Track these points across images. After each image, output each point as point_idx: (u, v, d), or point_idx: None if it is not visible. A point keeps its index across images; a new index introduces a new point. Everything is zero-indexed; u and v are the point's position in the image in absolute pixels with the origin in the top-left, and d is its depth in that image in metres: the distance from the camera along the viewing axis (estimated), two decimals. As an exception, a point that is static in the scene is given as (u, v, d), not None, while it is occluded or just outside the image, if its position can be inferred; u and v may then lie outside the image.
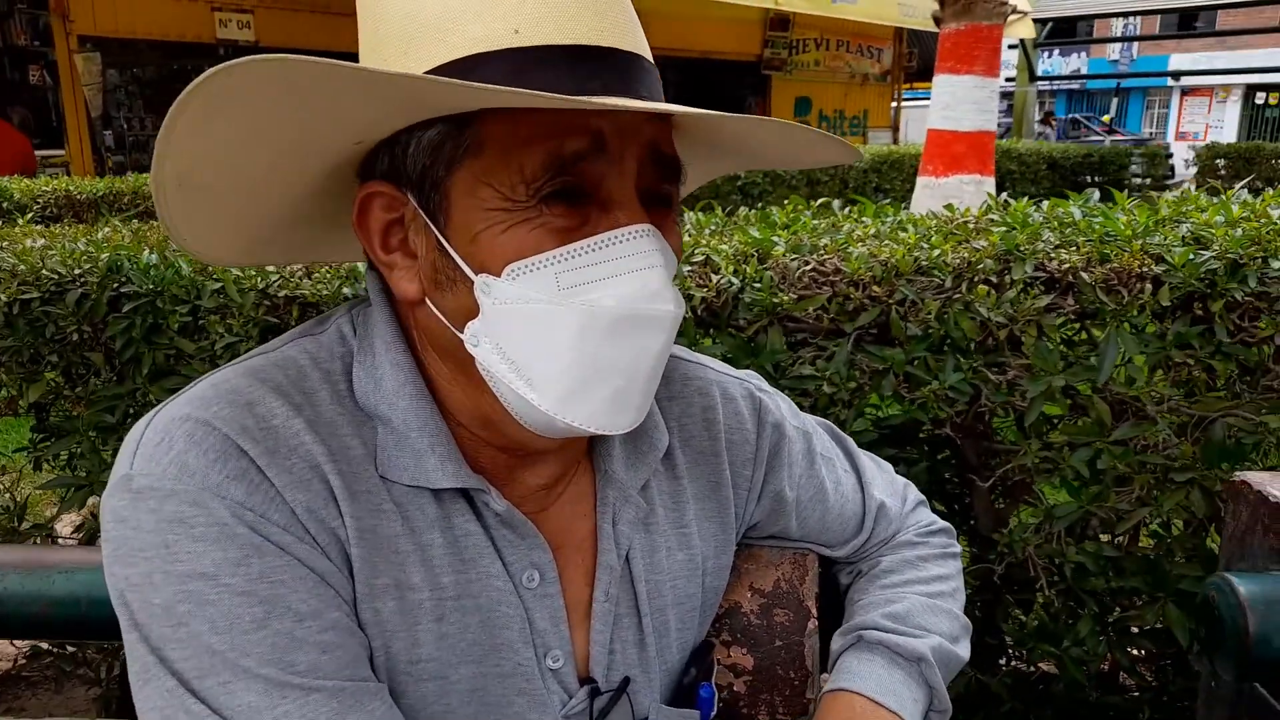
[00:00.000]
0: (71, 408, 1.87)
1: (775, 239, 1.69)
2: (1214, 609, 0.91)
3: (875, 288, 1.52)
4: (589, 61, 0.64)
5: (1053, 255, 1.53)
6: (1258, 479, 0.96)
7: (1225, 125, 33.22)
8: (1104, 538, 1.73)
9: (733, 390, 0.91)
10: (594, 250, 0.65)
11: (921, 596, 0.91)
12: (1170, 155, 14.88)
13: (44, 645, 2.06)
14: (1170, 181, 14.36)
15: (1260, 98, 32.55)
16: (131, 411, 1.75)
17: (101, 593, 0.78)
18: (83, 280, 1.66)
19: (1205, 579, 1.53)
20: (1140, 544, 1.78)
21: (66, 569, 1.01)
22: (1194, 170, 14.34)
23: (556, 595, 0.77)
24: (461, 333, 0.68)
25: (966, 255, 1.54)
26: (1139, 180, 13.07)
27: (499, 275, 0.65)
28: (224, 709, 0.61)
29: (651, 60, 0.71)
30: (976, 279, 1.53)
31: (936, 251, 1.54)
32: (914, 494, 1.04)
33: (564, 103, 0.59)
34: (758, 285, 1.55)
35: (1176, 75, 26.26)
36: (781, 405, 0.95)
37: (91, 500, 1.87)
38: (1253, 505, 0.95)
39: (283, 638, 0.63)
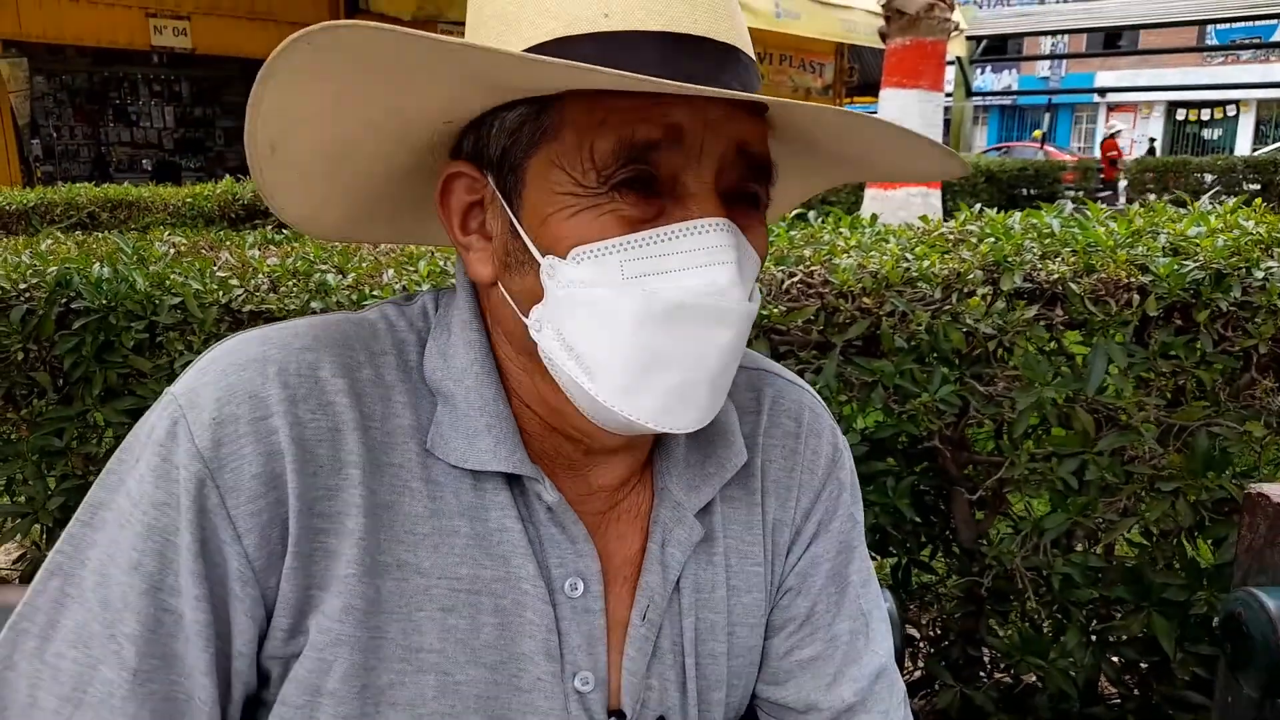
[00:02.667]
0: (12, 431, 1.76)
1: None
2: (1241, 624, 0.89)
3: (865, 299, 1.50)
4: (678, 49, 0.62)
5: (1039, 266, 1.53)
6: (1276, 491, 0.96)
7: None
8: (1079, 548, 1.74)
9: (822, 428, 0.85)
10: (662, 241, 0.63)
11: None
12: (1101, 169, 15.41)
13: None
14: (1102, 194, 14.85)
15: (1181, 114, 33.89)
16: (80, 435, 1.64)
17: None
18: (28, 295, 1.56)
19: (1201, 591, 1.55)
20: (1116, 553, 1.79)
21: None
22: (1124, 184, 14.85)
23: (599, 612, 0.72)
24: (527, 317, 0.67)
25: (955, 266, 1.52)
26: (1073, 193, 13.48)
27: (564, 258, 0.64)
28: (52, 613, 0.62)
29: (751, 53, 0.68)
30: (965, 290, 1.52)
31: (925, 262, 1.52)
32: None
33: (624, 81, 0.57)
34: (745, 297, 1.52)
35: (1103, 92, 27.20)
36: (852, 471, 0.87)
37: (35, 529, 1.76)
38: (1271, 518, 0.94)
39: (139, 598, 0.62)
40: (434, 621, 0.67)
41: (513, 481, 0.70)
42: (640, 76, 0.57)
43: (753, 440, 0.81)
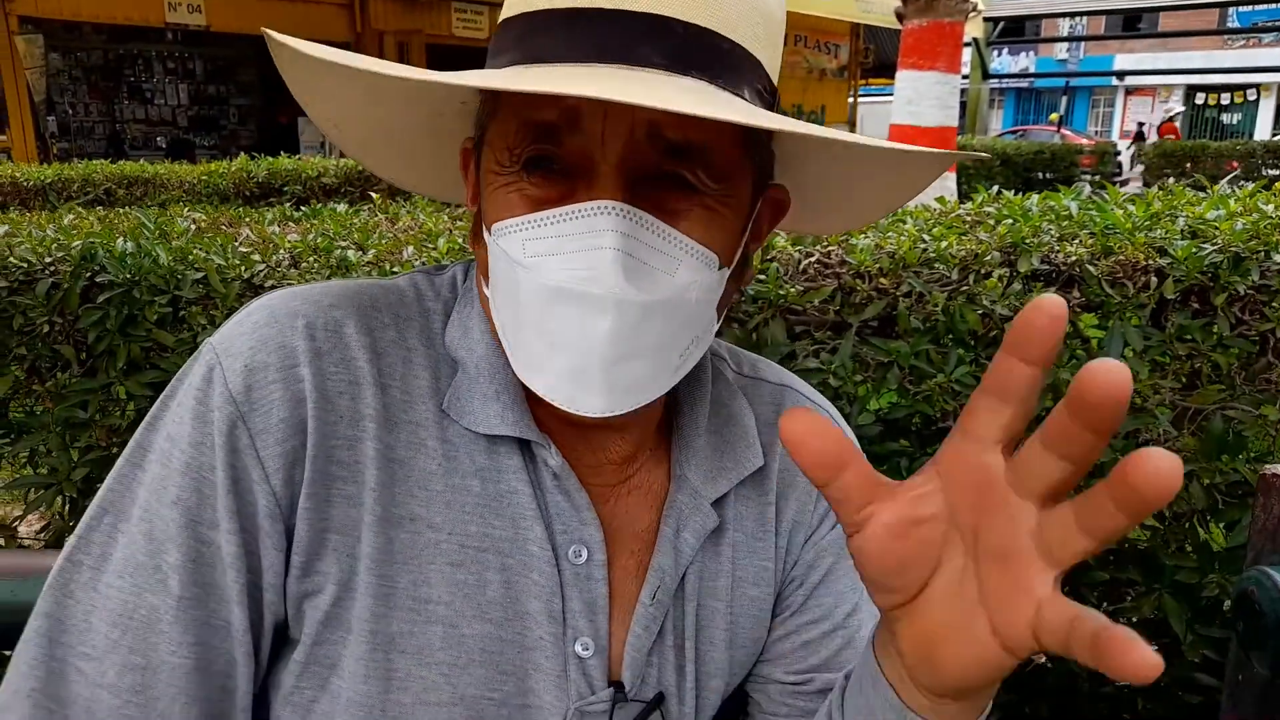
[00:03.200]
0: (37, 403, 1.78)
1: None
2: (1254, 603, 0.90)
3: (882, 279, 1.50)
4: (587, 25, 0.63)
5: (1057, 248, 1.53)
6: (1290, 472, 0.96)
7: (1167, 124, 34.12)
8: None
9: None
10: (555, 223, 0.64)
11: None
12: (1119, 153, 15.28)
13: None
14: (1119, 178, 14.73)
15: (1200, 98, 33.51)
16: (103, 407, 1.67)
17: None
18: (54, 269, 1.58)
19: (1213, 573, 1.55)
20: (1129, 535, 1.80)
21: (61, 576, 0.94)
22: (1139, 169, 14.72)
23: (601, 581, 0.74)
24: (487, 287, 0.72)
25: (972, 247, 1.53)
26: (1089, 176, 13.37)
27: (491, 233, 0.68)
28: (104, 546, 0.67)
29: (712, 24, 0.64)
30: (982, 271, 1.52)
31: (943, 243, 1.53)
32: None
33: (491, 83, 0.60)
34: (762, 278, 1.53)
35: (1121, 75, 26.91)
36: None
37: (58, 500, 1.79)
38: (1285, 498, 0.95)
39: (180, 530, 0.66)
40: (443, 575, 0.70)
41: (524, 447, 0.73)
42: (465, 80, 0.60)
43: (771, 449, 0.82)
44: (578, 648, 0.72)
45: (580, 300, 0.62)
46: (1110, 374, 0.41)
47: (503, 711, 0.71)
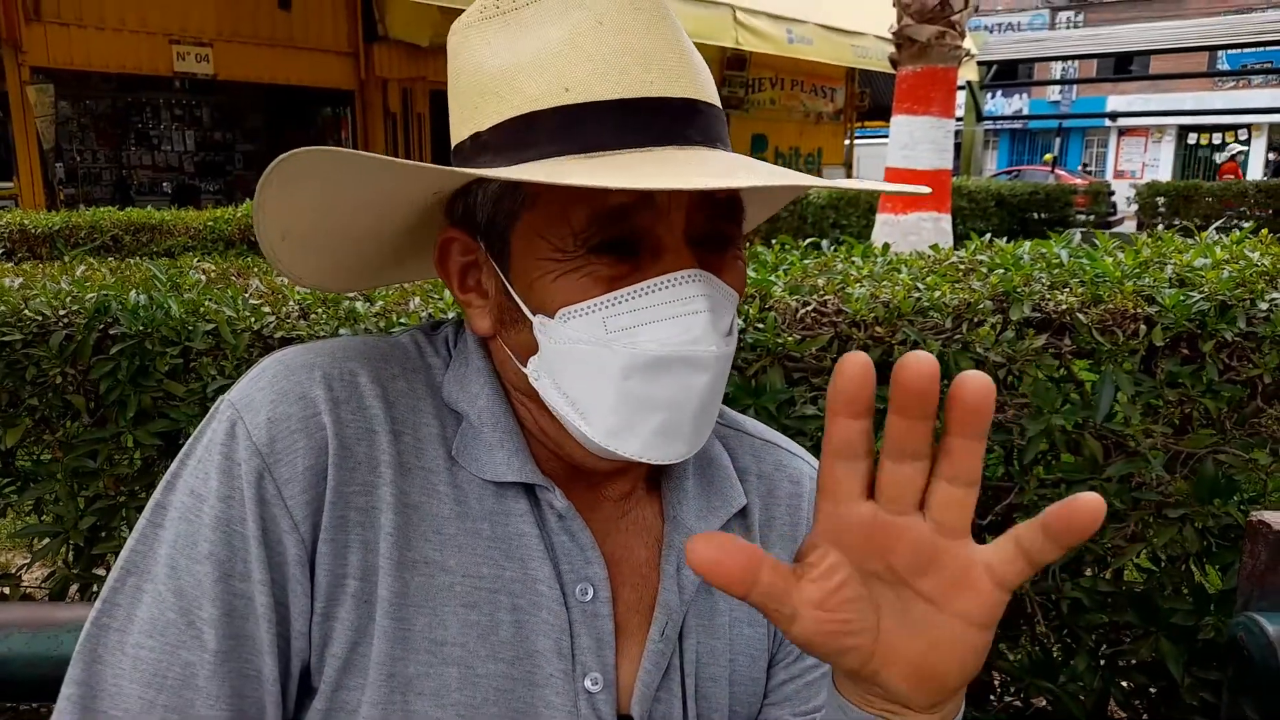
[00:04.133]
0: (44, 451, 1.81)
1: (772, 279, 1.70)
2: (1243, 649, 0.92)
3: (878, 328, 1.54)
4: (637, 114, 0.68)
5: (1048, 296, 1.56)
6: (1276, 518, 0.99)
7: (1161, 164, 34.50)
8: (1088, 573, 1.76)
9: None
10: (639, 296, 0.68)
11: None
12: (1112, 193, 15.40)
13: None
14: (1113, 218, 14.84)
15: (1192, 138, 33.89)
16: (113, 456, 1.69)
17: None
18: (68, 321, 1.61)
19: (1209, 616, 1.57)
20: (1125, 578, 1.81)
21: (75, 627, 0.96)
22: (1134, 208, 14.85)
23: (607, 618, 0.77)
24: (525, 367, 0.74)
25: (965, 296, 1.56)
26: (1083, 217, 13.49)
27: (553, 317, 0.70)
28: (129, 607, 0.68)
29: (712, 99, 0.73)
30: (975, 319, 1.55)
31: (936, 292, 1.56)
32: None
33: (557, 177, 0.63)
34: (760, 326, 1.56)
35: (1114, 116, 27.25)
36: None
37: (64, 549, 1.80)
38: (1272, 544, 0.97)
39: (213, 585, 0.68)
40: (457, 616, 0.72)
41: (528, 491, 0.76)
42: (570, 183, 0.61)
43: (752, 497, 0.86)
44: (587, 683, 0.75)
45: (685, 363, 0.68)
46: (918, 363, 0.47)
47: None
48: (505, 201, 0.71)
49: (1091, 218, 14.16)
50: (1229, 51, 25.59)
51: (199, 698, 0.67)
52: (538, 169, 0.66)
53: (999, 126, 35.61)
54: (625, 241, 0.69)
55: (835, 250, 2.10)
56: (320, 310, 1.64)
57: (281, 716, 0.71)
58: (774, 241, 2.11)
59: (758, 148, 13.48)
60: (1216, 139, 32.94)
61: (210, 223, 5.18)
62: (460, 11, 0.79)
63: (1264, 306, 1.50)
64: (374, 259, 0.84)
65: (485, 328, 0.77)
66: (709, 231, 0.72)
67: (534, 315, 0.71)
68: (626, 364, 0.67)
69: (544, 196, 0.69)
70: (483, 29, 0.73)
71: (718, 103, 0.74)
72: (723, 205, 0.72)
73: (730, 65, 12.45)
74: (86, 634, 0.68)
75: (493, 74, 0.71)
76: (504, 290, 0.74)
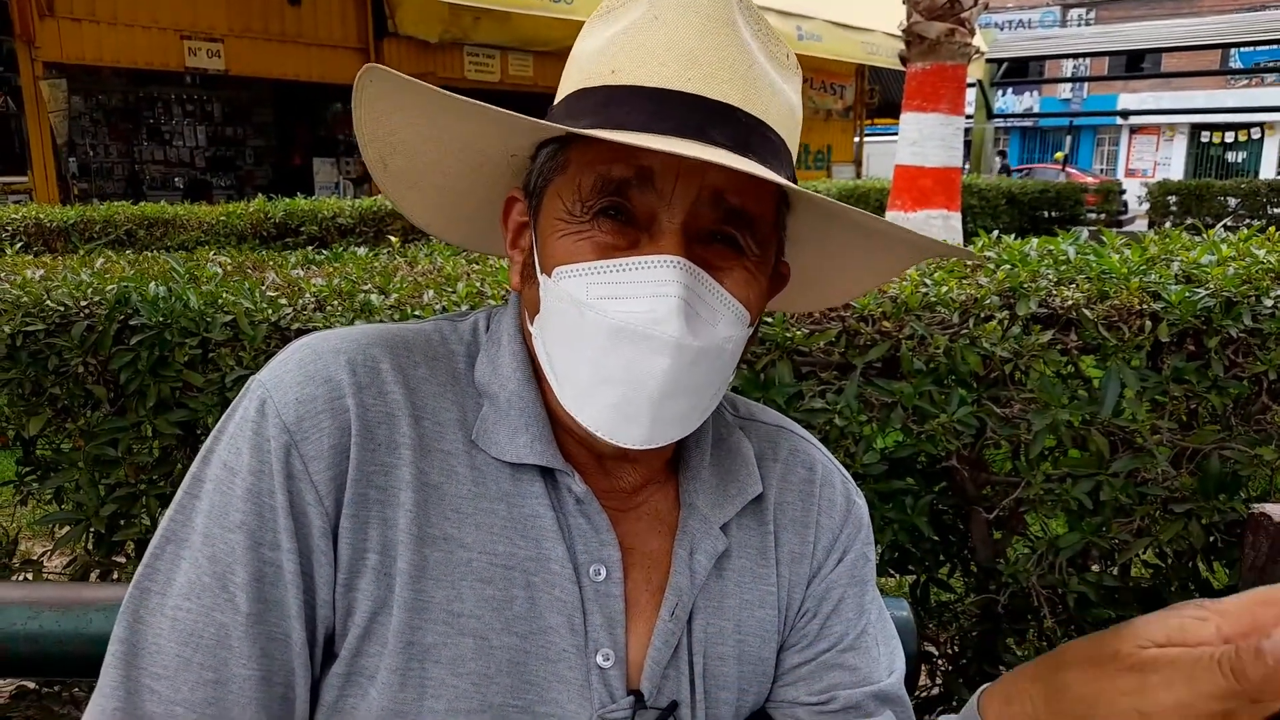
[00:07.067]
0: (65, 440, 1.83)
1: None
2: (1243, 637, 0.94)
3: (885, 323, 1.56)
4: (670, 105, 0.72)
5: (1054, 292, 1.58)
6: (1277, 510, 1.00)
7: (1173, 162, 34.33)
8: (1094, 568, 1.78)
9: (834, 480, 0.94)
10: (619, 271, 0.72)
11: None
12: (1124, 192, 15.35)
13: (30, 684, 2.00)
14: (1124, 217, 14.79)
15: (1205, 136, 33.71)
16: (133, 445, 1.72)
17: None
18: (89, 312, 1.64)
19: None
20: (1132, 574, 1.83)
21: (104, 606, 0.99)
22: (1146, 206, 14.81)
23: (619, 596, 0.80)
24: (532, 325, 0.79)
25: (972, 292, 1.58)
26: (1094, 216, 13.44)
27: (550, 276, 0.75)
28: (169, 571, 0.72)
29: (760, 114, 0.75)
30: (982, 315, 1.57)
31: (944, 288, 1.58)
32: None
33: (589, 129, 0.69)
34: (770, 320, 1.58)
35: (1125, 114, 27.13)
36: (866, 518, 0.97)
37: (85, 536, 1.83)
38: (1273, 537, 0.99)
39: (245, 552, 0.71)
40: (473, 590, 0.76)
41: (546, 474, 0.80)
42: (592, 132, 0.68)
43: (768, 482, 0.90)
44: (599, 659, 0.78)
45: (643, 340, 0.70)
46: None
47: (525, 718, 0.76)
48: (547, 165, 0.77)
49: (1102, 216, 14.11)
50: (1241, 49, 25.47)
51: (232, 657, 0.71)
52: (558, 124, 0.72)
53: (1009, 124, 35.48)
54: (625, 211, 0.73)
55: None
56: (336, 302, 1.66)
57: (309, 679, 0.75)
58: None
59: (767, 145, 13.44)
60: (1229, 137, 32.77)
61: (223, 217, 5.22)
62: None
63: (1269, 303, 1.51)
64: (465, 208, 0.90)
65: (515, 283, 0.83)
66: (714, 230, 0.74)
67: (541, 273, 0.76)
68: (592, 330, 0.71)
69: (573, 162, 0.75)
70: (593, 23, 0.81)
71: (770, 120, 0.76)
72: (739, 210, 0.74)
73: (740, 62, 12.41)
74: (129, 596, 0.73)
75: (575, 57, 0.80)
76: (532, 246, 0.79)
